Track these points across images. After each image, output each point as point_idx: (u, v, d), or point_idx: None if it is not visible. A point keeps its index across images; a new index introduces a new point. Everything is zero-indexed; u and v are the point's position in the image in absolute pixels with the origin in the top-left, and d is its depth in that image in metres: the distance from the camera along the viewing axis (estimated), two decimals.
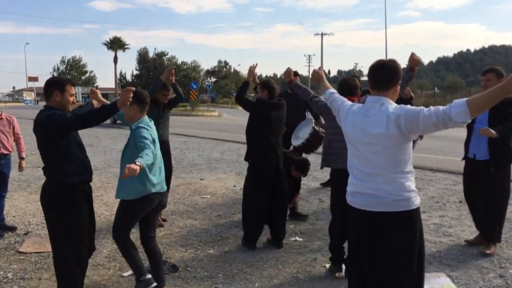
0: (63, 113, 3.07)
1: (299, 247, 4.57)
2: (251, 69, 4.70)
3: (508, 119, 4.04)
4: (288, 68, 4.27)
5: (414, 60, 3.78)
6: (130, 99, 3.03)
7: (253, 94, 5.88)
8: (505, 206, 4.37)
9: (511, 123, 4.04)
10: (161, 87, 5.01)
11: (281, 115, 4.55)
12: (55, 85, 3.11)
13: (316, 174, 8.45)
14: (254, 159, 4.53)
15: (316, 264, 4.16)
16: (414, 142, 5.44)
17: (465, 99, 2.17)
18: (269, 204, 4.50)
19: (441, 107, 2.25)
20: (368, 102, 2.53)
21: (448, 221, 5.39)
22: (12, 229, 5.14)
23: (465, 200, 4.73)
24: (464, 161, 4.58)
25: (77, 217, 3.12)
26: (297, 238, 4.88)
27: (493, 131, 3.90)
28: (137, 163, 2.83)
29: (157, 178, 3.40)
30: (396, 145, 2.39)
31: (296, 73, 6.99)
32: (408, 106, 2.39)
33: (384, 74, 2.49)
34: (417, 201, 2.47)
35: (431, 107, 2.29)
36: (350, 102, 2.77)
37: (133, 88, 3.05)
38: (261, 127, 4.43)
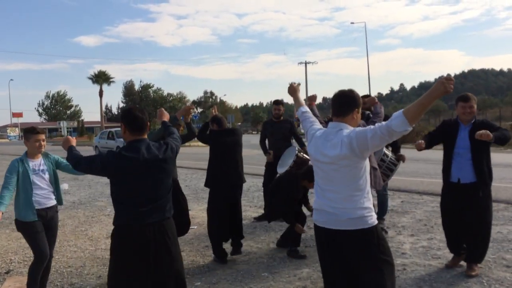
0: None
1: (288, 276, 4.50)
2: (187, 108, 4.75)
3: (498, 129, 4.16)
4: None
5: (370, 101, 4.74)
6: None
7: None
8: (490, 227, 4.38)
9: (505, 131, 4.16)
10: (173, 122, 4.67)
11: (235, 139, 5.17)
12: None
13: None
14: (214, 184, 5.13)
15: None
16: (395, 166, 5.49)
17: (400, 111, 2.41)
18: (228, 221, 5.08)
19: (383, 122, 2.46)
20: (328, 128, 2.76)
21: (436, 243, 5.37)
22: None
23: (442, 225, 4.67)
24: (442, 187, 4.56)
25: None
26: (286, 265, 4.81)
27: (490, 134, 3.91)
28: None
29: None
30: (350, 165, 2.57)
31: (281, 102, 7.16)
32: (358, 128, 2.60)
33: (342, 103, 2.72)
34: (372, 219, 2.59)
35: (376, 125, 2.50)
36: (317, 126, 2.94)
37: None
38: (219, 153, 5.06)
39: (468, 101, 4.31)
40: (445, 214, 4.55)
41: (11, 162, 3.88)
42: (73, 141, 3.27)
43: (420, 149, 4.44)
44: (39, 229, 3.83)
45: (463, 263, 4.49)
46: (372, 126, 2.51)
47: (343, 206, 2.59)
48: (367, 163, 2.65)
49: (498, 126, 4.41)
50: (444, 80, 2.25)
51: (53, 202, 3.98)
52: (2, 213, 3.65)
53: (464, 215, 4.33)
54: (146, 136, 3.02)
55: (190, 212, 7.63)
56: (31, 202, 3.80)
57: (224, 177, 5.05)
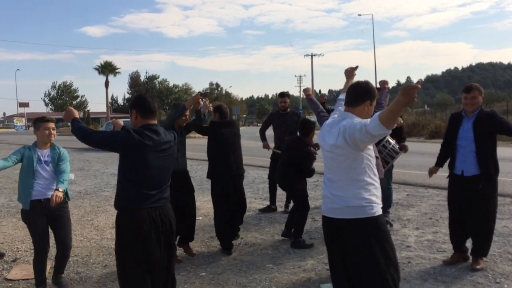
0: None
1: (292, 267, 4.51)
2: (195, 98, 4.85)
3: (502, 123, 4.17)
4: (307, 87, 5.09)
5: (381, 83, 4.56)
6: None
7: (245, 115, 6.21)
8: (494, 220, 4.34)
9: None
10: (182, 111, 4.69)
11: (233, 131, 5.22)
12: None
13: (309, 193, 8.41)
14: (215, 175, 5.14)
15: (310, 284, 4.09)
16: (397, 154, 5.52)
17: (376, 114, 2.41)
18: (230, 212, 5.15)
19: (368, 120, 2.44)
20: (336, 117, 2.82)
21: (441, 237, 5.36)
22: (1, 255, 5.03)
23: (449, 217, 4.60)
24: (448, 179, 4.52)
25: None
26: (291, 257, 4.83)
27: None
28: None
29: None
30: (345, 154, 2.60)
31: (287, 94, 7.19)
32: (355, 120, 2.59)
33: (355, 93, 2.73)
34: (371, 210, 2.60)
35: (366, 120, 2.47)
36: (335, 115, 2.97)
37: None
38: (219, 145, 5.07)
39: (469, 92, 4.22)
40: (451, 207, 4.53)
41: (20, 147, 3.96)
42: (76, 113, 3.15)
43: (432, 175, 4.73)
44: (38, 223, 3.86)
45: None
46: (364, 120, 2.50)
47: (341, 193, 2.64)
48: (367, 155, 2.63)
49: (504, 119, 4.33)
50: (408, 88, 2.19)
51: None
52: None
53: (469, 208, 4.30)
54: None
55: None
56: (30, 190, 3.82)
57: (225, 168, 5.07)
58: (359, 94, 2.71)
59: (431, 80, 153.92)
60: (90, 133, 2.94)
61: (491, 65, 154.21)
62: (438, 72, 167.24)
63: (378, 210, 2.63)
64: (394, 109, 2.29)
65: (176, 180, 3.67)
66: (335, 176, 2.69)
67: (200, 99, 4.81)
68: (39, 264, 3.95)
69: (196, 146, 21.47)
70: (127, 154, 2.89)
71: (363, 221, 2.58)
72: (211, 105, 5.11)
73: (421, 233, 5.56)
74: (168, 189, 3.07)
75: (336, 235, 2.69)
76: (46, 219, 3.92)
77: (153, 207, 2.90)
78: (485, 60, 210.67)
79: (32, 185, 3.83)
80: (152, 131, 2.92)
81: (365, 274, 2.56)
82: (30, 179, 3.83)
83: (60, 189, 3.74)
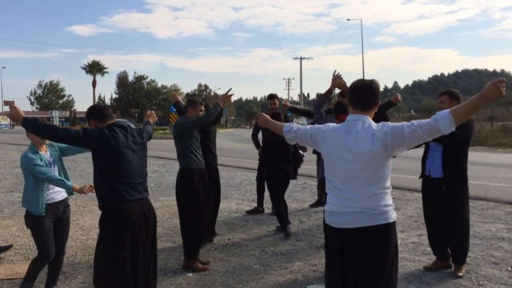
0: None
1: (279, 268, 4.53)
2: (228, 96, 4.81)
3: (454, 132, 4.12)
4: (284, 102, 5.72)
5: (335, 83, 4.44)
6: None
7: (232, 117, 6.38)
8: (464, 225, 4.29)
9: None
10: (216, 110, 4.66)
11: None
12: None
13: (296, 195, 8.46)
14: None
15: (296, 285, 4.11)
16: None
17: (447, 110, 2.28)
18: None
19: (423, 121, 2.36)
20: (349, 120, 2.54)
21: (426, 240, 5.37)
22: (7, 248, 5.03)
23: (424, 220, 4.61)
24: (421, 180, 4.53)
25: None
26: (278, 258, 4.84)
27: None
28: None
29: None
30: (379, 162, 2.44)
31: (275, 96, 7.25)
32: (389, 123, 2.47)
33: (370, 95, 2.54)
34: (394, 215, 2.51)
35: (413, 122, 2.40)
36: (315, 125, 2.77)
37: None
38: (205, 139, 5.29)
39: (439, 97, 4.36)
40: (425, 208, 4.55)
41: (25, 156, 3.65)
42: (21, 111, 2.97)
43: None
44: (46, 227, 3.67)
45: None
46: (407, 123, 2.40)
47: (367, 203, 2.44)
48: (390, 163, 2.51)
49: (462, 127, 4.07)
50: (498, 83, 2.15)
51: (64, 195, 3.85)
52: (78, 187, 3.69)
53: (439, 210, 4.32)
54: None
55: None
56: (41, 195, 3.65)
57: (210, 162, 5.28)
58: (371, 97, 2.54)
59: (417, 85, 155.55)
60: (64, 131, 2.96)
61: (476, 72, 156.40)
62: (425, 78, 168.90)
63: (395, 213, 2.55)
64: (477, 103, 2.22)
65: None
66: (360, 186, 2.45)
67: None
68: (38, 268, 3.80)
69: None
70: (102, 149, 3.00)
71: (388, 226, 2.46)
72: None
73: (406, 236, 5.62)
74: (146, 182, 3.22)
75: (356, 245, 2.47)
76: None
77: (139, 199, 3.06)
78: (471, 67, 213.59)
79: (43, 190, 3.67)
80: (117, 126, 3.11)
81: (382, 274, 2.44)
82: (44, 183, 3.66)
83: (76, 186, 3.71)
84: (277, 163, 5.74)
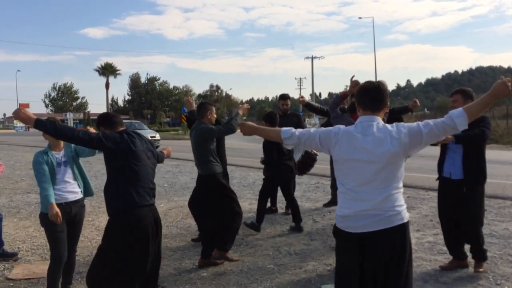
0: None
1: (293, 268, 4.52)
2: (246, 107, 5.24)
3: (473, 129, 3.98)
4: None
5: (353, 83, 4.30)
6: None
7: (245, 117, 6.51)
8: (479, 225, 4.26)
9: (473, 133, 4.00)
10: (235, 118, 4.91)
11: None
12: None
13: (309, 195, 8.44)
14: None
15: (311, 285, 4.10)
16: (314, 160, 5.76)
17: (461, 108, 2.38)
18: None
19: (437, 120, 2.43)
20: (362, 122, 2.52)
21: (442, 239, 5.32)
22: (13, 255, 5.03)
23: (440, 222, 4.56)
24: (438, 181, 4.47)
25: None
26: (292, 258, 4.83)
27: (449, 136, 3.90)
28: None
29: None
30: (396, 162, 2.44)
31: (287, 96, 7.25)
32: (405, 123, 2.49)
33: (379, 97, 2.55)
34: (407, 214, 2.53)
35: (428, 121, 2.44)
36: (323, 127, 2.79)
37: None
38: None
39: (452, 96, 4.28)
40: (440, 210, 4.50)
41: (35, 155, 3.71)
42: (30, 112, 2.96)
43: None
44: (59, 228, 3.64)
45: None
46: (421, 122, 2.44)
47: (383, 205, 2.42)
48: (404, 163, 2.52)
49: (484, 127, 4.11)
50: (506, 81, 2.27)
51: (78, 196, 3.84)
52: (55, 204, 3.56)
53: (456, 212, 4.27)
54: None
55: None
56: (52, 194, 3.62)
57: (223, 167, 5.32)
58: (380, 98, 2.55)
59: (431, 83, 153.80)
60: (87, 134, 3.02)
61: (491, 68, 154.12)
62: (438, 75, 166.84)
63: (407, 212, 2.54)
64: (489, 101, 2.35)
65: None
66: (376, 188, 2.43)
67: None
68: (55, 272, 3.71)
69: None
70: (121, 152, 3.08)
71: (404, 225, 2.46)
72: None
73: (421, 235, 5.57)
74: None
75: (372, 248, 2.43)
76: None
77: (151, 205, 3.19)
78: (485, 63, 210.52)
79: (56, 191, 3.67)
80: (128, 134, 3.20)
81: (400, 275, 2.43)
82: (53, 184, 3.67)
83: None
84: (280, 160, 5.79)
